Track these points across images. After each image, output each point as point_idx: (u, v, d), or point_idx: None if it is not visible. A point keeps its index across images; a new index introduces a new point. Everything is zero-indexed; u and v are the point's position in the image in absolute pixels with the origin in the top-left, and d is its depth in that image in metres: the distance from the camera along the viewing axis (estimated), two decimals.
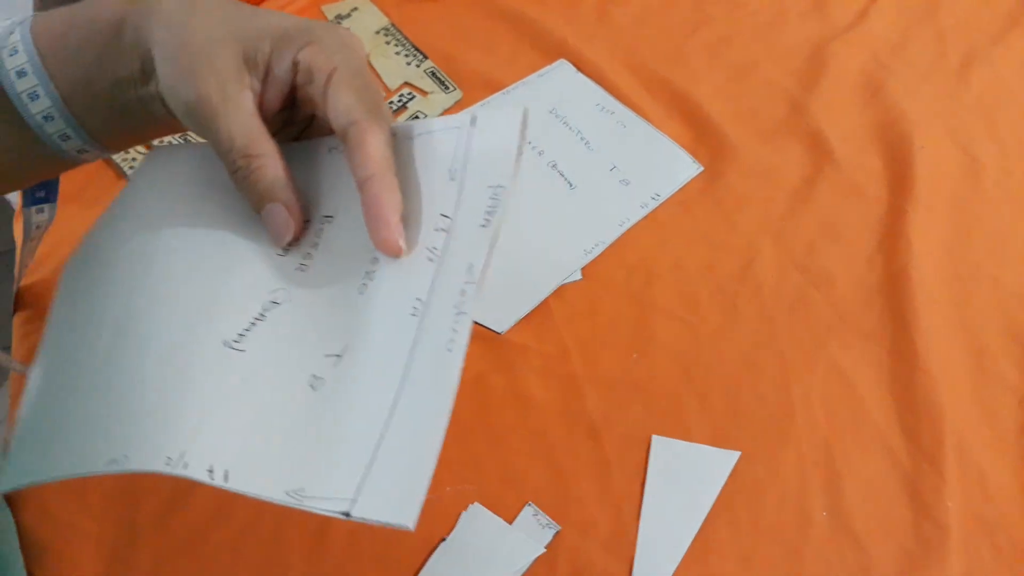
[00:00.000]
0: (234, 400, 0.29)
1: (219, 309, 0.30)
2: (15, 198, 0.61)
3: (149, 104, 0.32)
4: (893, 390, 0.48)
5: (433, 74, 0.64)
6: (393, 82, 0.63)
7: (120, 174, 0.59)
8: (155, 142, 0.41)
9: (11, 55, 0.31)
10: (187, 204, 0.33)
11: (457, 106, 0.62)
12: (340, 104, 0.30)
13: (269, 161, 0.30)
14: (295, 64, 0.30)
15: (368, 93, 0.30)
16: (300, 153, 0.34)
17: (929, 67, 0.65)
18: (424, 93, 0.63)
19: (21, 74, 0.31)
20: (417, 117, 0.61)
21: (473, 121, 0.31)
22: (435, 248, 0.30)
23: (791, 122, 0.61)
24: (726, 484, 0.45)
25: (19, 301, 0.53)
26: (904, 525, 0.44)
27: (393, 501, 0.26)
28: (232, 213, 0.33)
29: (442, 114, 0.61)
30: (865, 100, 0.62)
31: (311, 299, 0.32)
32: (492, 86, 0.63)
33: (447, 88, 0.63)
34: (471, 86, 0.63)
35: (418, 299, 0.30)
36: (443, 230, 0.31)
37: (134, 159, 0.59)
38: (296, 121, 0.35)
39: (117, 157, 0.59)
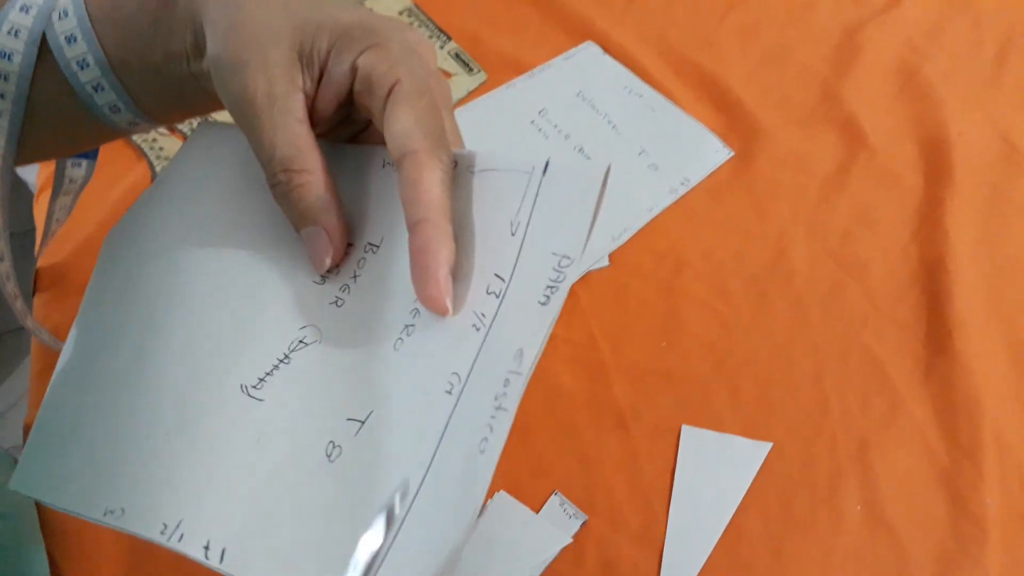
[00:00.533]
0: (244, 463, 0.26)
1: (244, 343, 0.28)
2: (33, 178, 0.60)
3: (202, 80, 0.29)
4: (929, 383, 0.47)
5: (457, 56, 0.62)
6: None
7: (140, 154, 0.58)
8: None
9: (61, 18, 0.29)
10: (227, 201, 0.31)
11: (481, 88, 0.61)
12: (398, 126, 0.26)
13: (312, 178, 0.28)
14: (354, 69, 0.27)
15: (431, 117, 0.27)
16: (351, 161, 0.31)
17: (966, 52, 0.63)
18: (448, 75, 0.61)
19: (71, 40, 0.29)
20: None
21: (546, 168, 0.27)
22: (483, 315, 0.26)
23: (824, 108, 0.60)
24: (757, 476, 0.44)
25: (40, 281, 0.53)
26: (941, 521, 0.42)
27: None
28: (274, 220, 0.30)
29: (466, 97, 0.60)
30: (900, 86, 0.61)
31: (341, 344, 0.28)
32: (517, 68, 0.62)
33: (471, 70, 0.62)
34: (496, 68, 0.62)
35: (455, 374, 0.26)
36: (495, 295, 0.27)
37: (154, 140, 0.59)
38: (355, 120, 0.32)
39: (137, 138, 0.59)
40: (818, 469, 0.44)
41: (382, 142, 0.27)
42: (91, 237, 0.53)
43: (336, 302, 0.29)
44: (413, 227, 0.26)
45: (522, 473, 0.44)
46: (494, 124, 0.58)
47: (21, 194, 0.52)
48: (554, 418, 0.46)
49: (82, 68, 0.29)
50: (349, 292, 0.29)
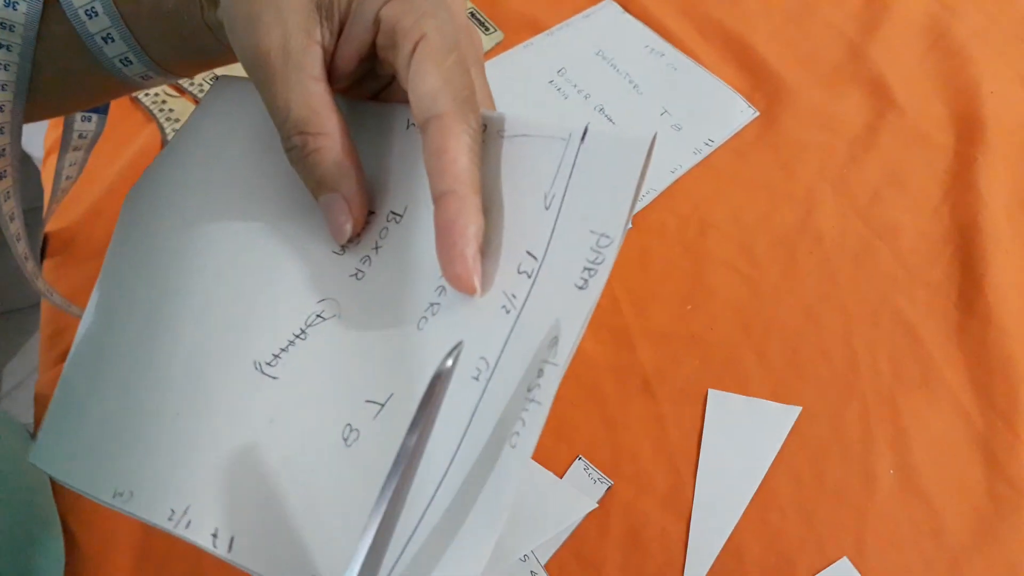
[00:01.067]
0: (256, 447, 0.24)
1: (259, 316, 0.26)
2: (39, 152, 0.59)
3: (217, 31, 0.27)
4: (962, 345, 0.46)
5: (472, 15, 0.61)
6: None
7: (150, 117, 0.57)
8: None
9: None
10: (245, 163, 0.29)
11: (498, 48, 0.59)
12: (423, 86, 0.24)
13: (329, 142, 0.25)
14: (377, 21, 0.25)
15: (459, 76, 0.24)
16: (373, 120, 0.29)
17: (997, 9, 0.61)
18: None
19: None
20: None
21: (584, 135, 0.24)
22: (514, 296, 0.24)
23: (851, 67, 0.58)
24: (787, 440, 0.43)
25: (49, 246, 0.51)
26: (976, 485, 0.41)
27: None
28: (292, 184, 0.28)
29: (484, 57, 0.58)
30: (929, 44, 0.59)
31: (361, 320, 0.26)
32: (534, 27, 0.60)
33: (487, 29, 0.60)
34: (513, 27, 0.60)
35: (483, 359, 0.24)
36: (527, 274, 0.24)
37: (164, 101, 0.57)
38: (379, 74, 0.29)
39: (146, 100, 0.57)
40: (849, 433, 0.43)
41: (407, 99, 0.25)
42: (100, 201, 0.52)
43: (356, 275, 0.27)
44: (438, 199, 0.24)
45: (545, 438, 0.43)
46: (512, 84, 0.56)
47: (28, 171, 0.51)
48: (577, 383, 0.45)
49: (91, 17, 0.28)
50: (370, 264, 0.27)
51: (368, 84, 0.30)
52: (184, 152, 0.30)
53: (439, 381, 0.22)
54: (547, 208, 0.24)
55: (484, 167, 0.25)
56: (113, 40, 0.28)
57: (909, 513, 0.41)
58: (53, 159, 0.52)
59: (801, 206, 0.51)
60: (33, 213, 0.49)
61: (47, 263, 0.51)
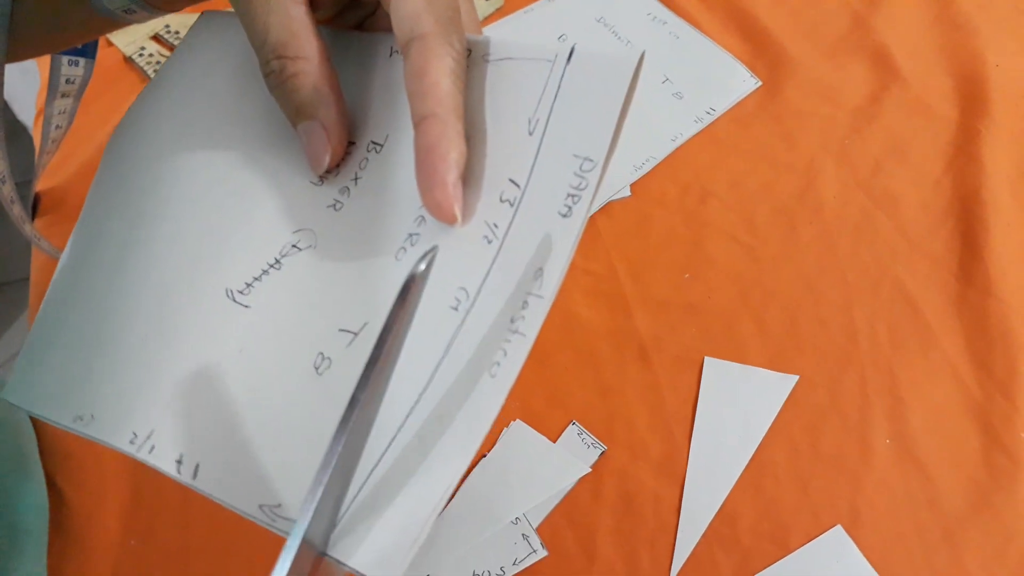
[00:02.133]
0: (225, 375, 0.24)
1: (232, 244, 0.26)
2: (30, 120, 0.58)
3: None
4: (962, 316, 0.45)
5: None
6: None
7: (144, 76, 0.56)
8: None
9: None
10: (226, 95, 0.28)
11: (498, 14, 0.58)
12: (405, 7, 0.23)
13: (309, 67, 0.24)
14: None
15: None
16: (356, 49, 0.28)
17: None
18: None
19: None
20: None
21: (570, 56, 0.23)
22: (496, 225, 0.23)
23: (855, 37, 0.57)
24: (783, 409, 0.43)
25: (41, 204, 0.51)
26: (973, 455, 0.41)
27: (373, 551, 0.21)
28: (272, 114, 0.27)
29: (483, 23, 0.58)
30: (934, 15, 0.58)
31: (338, 251, 0.26)
32: None
33: None
34: None
35: (463, 289, 0.23)
36: (509, 203, 0.24)
37: (158, 62, 0.56)
38: (363, 3, 0.29)
39: (140, 60, 0.56)
40: (846, 402, 0.43)
41: (392, 28, 0.24)
42: (92, 160, 0.52)
43: (335, 205, 0.26)
44: (419, 123, 0.23)
45: (539, 402, 0.43)
46: None
47: (21, 142, 0.50)
48: (573, 348, 0.45)
49: None
50: (349, 195, 0.26)
51: (352, 13, 0.29)
52: (165, 85, 0.29)
53: (412, 284, 0.21)
54: (531, 134, 0.24)
55: (468, 92, 0.25)
56: None
57: (904, 482, 0.40)
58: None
59: (802, 176, 0.51)
60: (24, 188, 0.48)
61: (39, 221, 0.51)
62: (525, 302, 0.22)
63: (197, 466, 0.22)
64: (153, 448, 0.22)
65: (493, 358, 0.22)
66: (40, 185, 0.51)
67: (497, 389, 0.22)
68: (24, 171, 0.51)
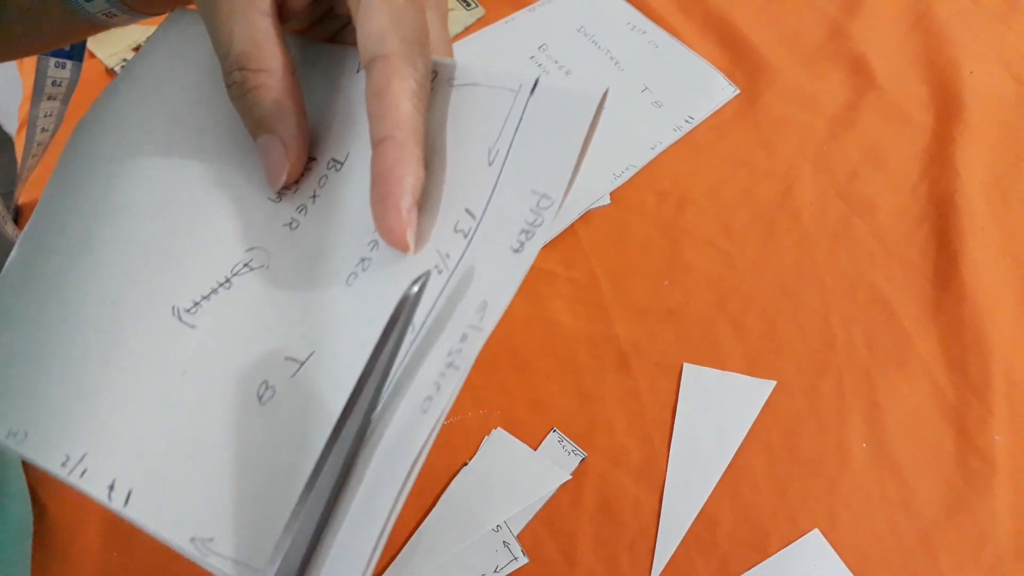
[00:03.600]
0: (165, 397, 0.23)
1: (183, 260, 0.25)
2: (14, 130, 0.58)
3: None
4: (937, 320, 0.46)
5: None
6: None
7: None
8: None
9: None
10: (190, 100, 0.27)
11: (479, 23, 0.59)
12: (371, 25, 0.22)
13: (271, 80, 0.24)
14: None
15: (410, 15, 0.23)
16: (325, 62, 0.27)
17: None
18: None
19: None
20: None
21: (534, 88, 0.23)
22: (447, 256, 0.23)
23: (832, 46, 0.58)
24: (761, 414, 0.43)
25: (23, 218, 0.51)
26: (948, 458, 0.42)
27: None
28: (234, 124, 0.26)
29: (463, 32, 0.58)
30: (910, 24, 0.59)
31: (290, 272, 0.25)
32: (516, 3, 0.60)
33: (469, 5, 0.59)
34: (494, 3, 0.60)
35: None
36: (463, 233, 0.23)
37: None
38: (337, 14, 0.28)
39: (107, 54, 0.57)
40: (824, 407, 0.43)
41: None
42: None
43: (291, 224, 0.26)
44: (376, 145, 0.22)
45: (520, 410, 0.43)
46: (492, 59, 0.56)
47: (5, 149, 0.50)
48: (553, 355, 0.45)
49: None
50: (306, 214, 0.26)
51: (327, 25, 0.29)
52: (130, 83, 0.28)
53: (403, 306, 0.21)
54: (490, 164, 0.23)
55: (431, 116, 0.24)
56: None
57: (881, 485, 0.41)
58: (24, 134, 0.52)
59: (780, 183, 0.51)
60: (7, 199, 0.48)
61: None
62: (464, 335, 0.22)
63: (129, 493, 0.22)
64: (85, 472, 0.21)
65: (427, 393, 0.21)
66: (23, 196, 0.51)
67: (427, 426, 0.21)
68: (8, 183, 0.51)
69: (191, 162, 0.26)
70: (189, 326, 0.24)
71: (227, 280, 0.24)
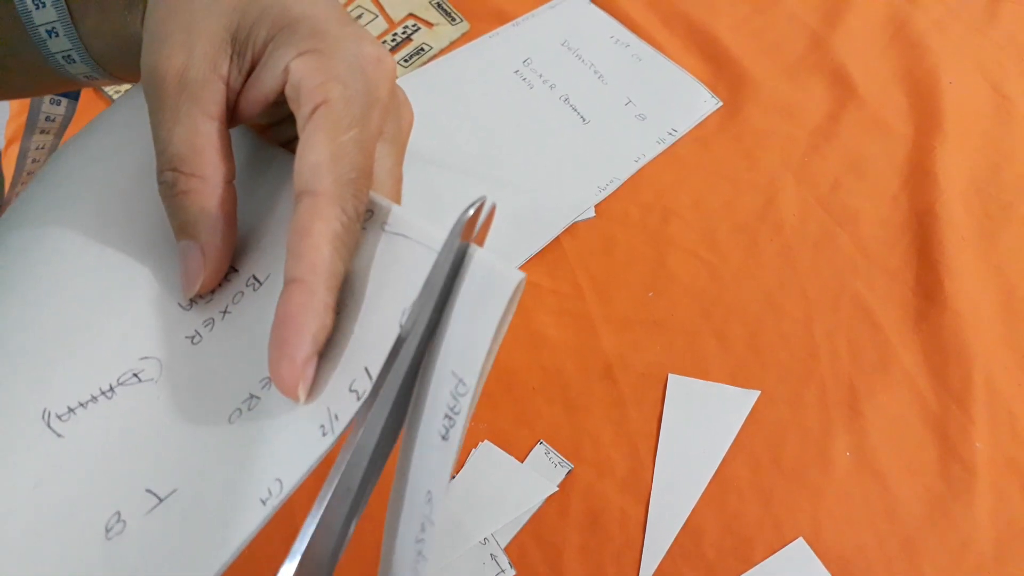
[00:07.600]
0: (10, 511, 0.20)
1: (70, 356, 0.22)
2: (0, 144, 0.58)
3: None
4: (919, 329, 0.46)
5: (439, 5, 0.61)
6: (398, 13, 0.61)
7: None
8: None
9: None
10: (125, 184, 0.26)
11: (463, 38, 0.59)
12: (307, 158, 0.21)
13: (203, 186, 0.23)
14: (286, 71, 0.23)
15: (352, 153, 0.22)
16: (274, 169, 0.26)
17: (957, 1, 0.62)
18: (429, 25, 0.60)
19: None
20: (423, 50, 0.58)
21: (465, 256, 0.21)
22: (336, 418, 0.21)
23: (813, 58, 0.59)
24: (745, 423, 0.43)
25: None
26: (931, 465, 0.42)
27: None
28: (163, 221, 0.24)
29: (448, 47, 0.59)
30: (891, 35, 0.60)
31: (177, 393, 0.23)
32: (500, 18, 0.60)
33: (453, 20, 0.60)
34: (479, 17, 0.60)
35: (278, 481, 0.21)
36: (357, 395, 0.21)
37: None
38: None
39: (112, 91, 0.57)
40: (807, 416, 0.44)
41: None
42: None
43: (194, 338, 0.24)
44: (287, 284, 0.21)
45: (506, 422, 0.44)
46: (477, 74, 0.57)
47: None
48: (539, 367, 0.45)
49: (38, 7, 0.27)
50: (212, 329, 0.24)
51: (286, 128, 0.28)
52: (75, 152, 0.27)
53: (397, 346, 0.20)
54: (400, 325, 0.21)
55: (358, 256, 0.23)
56: (57, 35, 0.27)
57: (864, 493, 0.41)
58: (13, 150, 0.52)
59: (763, 194, 0.52)
60: None
61: None
62: (423, 526, 0.21)
63: None
64: None
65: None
66: None
67: None
68: None
69: (110, 249, 0.24)
70: (56, 434, 0.21)
71: (111, 388, 0.22)
